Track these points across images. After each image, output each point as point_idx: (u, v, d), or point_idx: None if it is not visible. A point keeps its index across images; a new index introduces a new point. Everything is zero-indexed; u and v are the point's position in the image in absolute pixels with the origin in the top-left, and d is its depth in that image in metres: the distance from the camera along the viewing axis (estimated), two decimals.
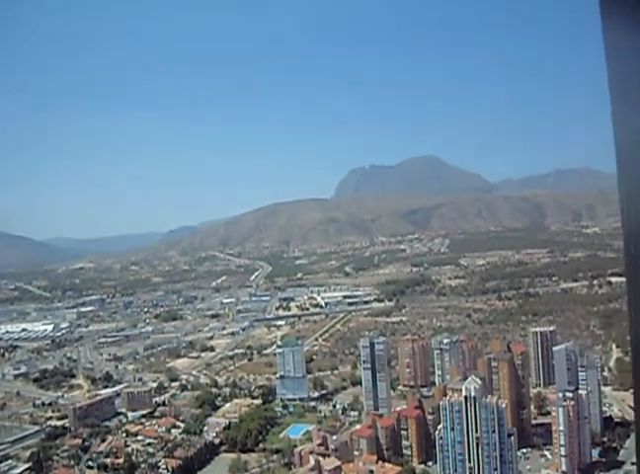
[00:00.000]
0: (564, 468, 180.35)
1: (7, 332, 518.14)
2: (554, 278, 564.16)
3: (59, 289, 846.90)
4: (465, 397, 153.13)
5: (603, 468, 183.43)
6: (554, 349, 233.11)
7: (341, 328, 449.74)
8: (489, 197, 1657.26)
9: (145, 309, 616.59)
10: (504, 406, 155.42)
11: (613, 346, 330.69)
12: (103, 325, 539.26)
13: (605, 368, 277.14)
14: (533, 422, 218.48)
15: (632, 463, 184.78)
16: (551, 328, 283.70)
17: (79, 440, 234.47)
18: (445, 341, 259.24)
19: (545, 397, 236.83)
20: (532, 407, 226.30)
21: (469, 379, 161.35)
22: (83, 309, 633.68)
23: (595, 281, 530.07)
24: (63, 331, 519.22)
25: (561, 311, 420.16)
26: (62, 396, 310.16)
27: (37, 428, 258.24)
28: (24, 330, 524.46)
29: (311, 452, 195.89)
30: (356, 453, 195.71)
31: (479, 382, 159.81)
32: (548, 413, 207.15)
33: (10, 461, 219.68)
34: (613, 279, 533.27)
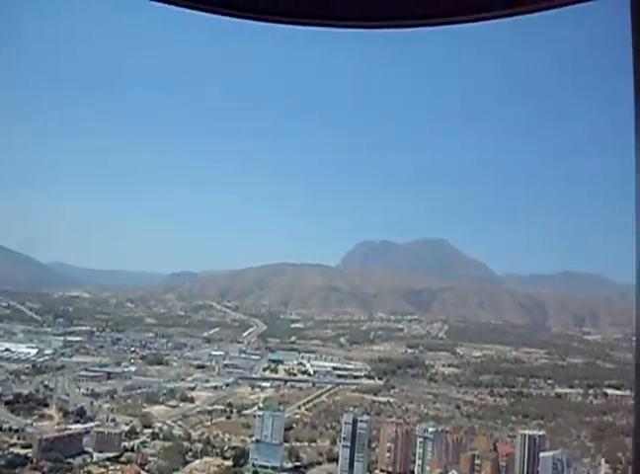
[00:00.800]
0: None
1: None
2: (549, 381, 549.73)
3: (51, 314, 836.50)
4: None
5: None
6: (541, 454, 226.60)
7: (326, 400, 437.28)
8: (493, 288, 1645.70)
9: (133, 348, 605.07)
10: None
11: (602, 461, 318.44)
12: (87, 357, 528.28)
13: None
14: None
15: None
16: (540, 432, 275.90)
17: (39, 473, 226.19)
18: (430, 429, 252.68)
19: None
20: None
21: (450, 473, 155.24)
22: (70, 338, 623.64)
23: (590, 390, 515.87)
24: (46, 357, 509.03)
25: (553, 416, 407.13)
26: (31, 424, 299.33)
27: None
28: (7, 350, 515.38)
29: None
30: None
31: None
32: None
33: None
34: (610, 391, 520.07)
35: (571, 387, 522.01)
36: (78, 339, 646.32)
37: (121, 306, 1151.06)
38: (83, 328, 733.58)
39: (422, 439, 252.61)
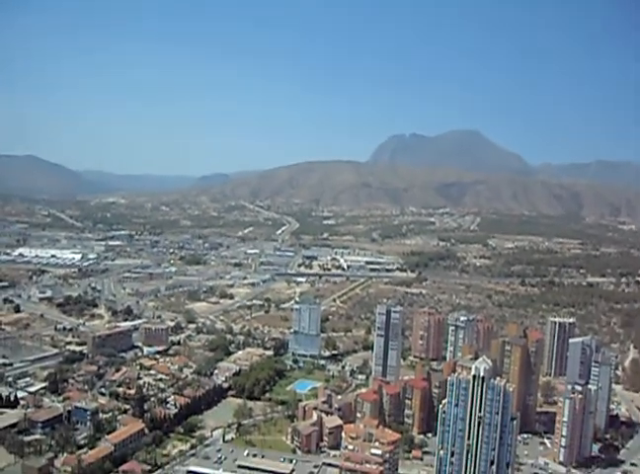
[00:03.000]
0: (562, 458, 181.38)
1: (37, 256, 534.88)
2: (582, 271, 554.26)
3: (90, 221, 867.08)
4: (474, 376, 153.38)
5: (602, 464, 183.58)
6: (570, 341, 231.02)
7: (360, 292, 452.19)
8: (526, 179, 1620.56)
9: (171, 250, 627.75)
10: (511, 390, 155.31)
11: (631, 346, 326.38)
12: (129, 260, 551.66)
13: (620, 367, 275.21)
14: (538, 409, 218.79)
15: (631, 464, 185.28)
16: (571, 320, 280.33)
17: (95, 367, 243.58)
18: (462, 318, 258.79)
19: (554, 387, 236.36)
20: (540, 395, 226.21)
21: (480, 359, 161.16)
22: (111, 243, 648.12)
23: (623, 279, 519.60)
24: (90, 261, 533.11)
25: (584, 304, 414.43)
26: (83, 323, 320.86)
27: (56, 350, 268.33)
28: (53, 256, 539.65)
29: (315, 408, 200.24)
30: (358, 415, 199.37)
31: (490, 363, 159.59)
32: (555, 403, 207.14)
33: (28, 379, 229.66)
34: None
35: (603, 276, 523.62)
36: (118, 243, 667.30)
37: (157, 210, 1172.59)
38: (122, 232, 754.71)
39: (454, 328, 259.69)
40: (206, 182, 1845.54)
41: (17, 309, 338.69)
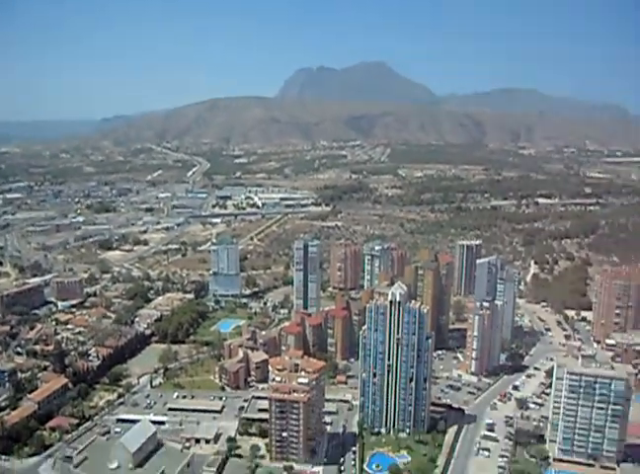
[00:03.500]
0: (473, 369, 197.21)
1: None
2: (486, 195, 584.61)
3: None
4: (390, 301, 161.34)
5: (509, 371, 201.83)
6: (477, 261, 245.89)
7: (276, 229, 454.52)
8: (433, 109, 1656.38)
9: (76, 199, 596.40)
10: (425, 311, 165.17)
11: (532, 262, 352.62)
12: (31, 213, 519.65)
13: (522, 282, 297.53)
14: (451, 327, 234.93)
15: (535, 368, 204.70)
16: (477, 242, 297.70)
17: (7, 327, 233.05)
18: (377, 247, 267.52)
19: (464, 305, 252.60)
20: (452, 313, 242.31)
21: (396, 285, 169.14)
22: (9, 196, 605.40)
23: (523, 201, 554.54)
24: None
25: (488, 227, 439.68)
26: None
27: None
28: None
29: (240, 346, 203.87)
30: (283, 348, 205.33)
31: (404, 288, 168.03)
32: (465, 320, 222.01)
33: None
34: (541, 200, 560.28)
35: (505, 199, 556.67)
36: (17, 195, 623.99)
37: (57, 158, 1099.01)
38: (20, 184, 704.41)
39: (369, 257, 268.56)
40: (108, 125, 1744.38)
41: None
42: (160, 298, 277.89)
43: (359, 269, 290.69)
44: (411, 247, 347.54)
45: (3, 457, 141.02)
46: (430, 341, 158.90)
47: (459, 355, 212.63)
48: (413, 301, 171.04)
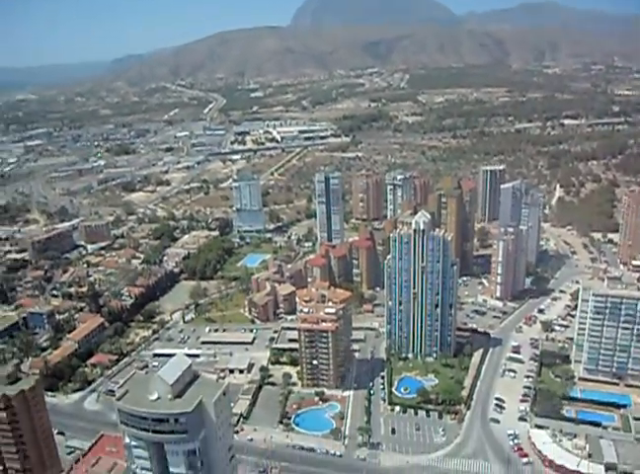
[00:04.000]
0: (498, 294, 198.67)
1: None
2: (510, 118, 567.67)
3: (2, 123, 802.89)
4: (414, 230, 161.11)
5: (534, 295, 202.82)
6: (501, 186, 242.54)
7: (296, 163, 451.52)
8: (453, 30, 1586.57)
9: (95, 143, 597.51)
10: (449, 238, 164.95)
11: (557, 186, 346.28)
12: (52, 159, 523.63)
13: (547, 206, 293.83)
14: (475, 253, 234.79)
15: (560, 291, 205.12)
16: (501, 167, 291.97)
17: (41, 272, 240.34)
18: (399, 177, 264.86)
19: (489, 231, 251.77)
20: (476, 240, 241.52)
21: (419, 214, 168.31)
22: (30, 143, 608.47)
23: (548, 123, 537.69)
24: (12, 166, 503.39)
25: (512, 151, 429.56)
26: (19, 230, 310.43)
27: None
28: None
29: (267, 279, 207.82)
30: (309, 280, 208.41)
31: (428, 217, 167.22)
32: (490, 246, 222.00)
33: None
34: (567, 122, 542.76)
35: (530, 121, 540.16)
36: (37, 142, 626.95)
37: (72, 102, 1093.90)
38: (39, 131, 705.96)
39: (392, 187, 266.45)
40: (120, 65, 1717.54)
41: None
42: (186, 237, 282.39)
43: (381, 199, 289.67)
44: (433, 175, 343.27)
45: (49, 394, 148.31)
46: (454, 268, 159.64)
47: (484, 281, 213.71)
48: (437, 229, 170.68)
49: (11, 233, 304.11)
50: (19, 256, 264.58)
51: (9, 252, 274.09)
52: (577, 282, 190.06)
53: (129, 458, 76.84)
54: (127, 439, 74.93)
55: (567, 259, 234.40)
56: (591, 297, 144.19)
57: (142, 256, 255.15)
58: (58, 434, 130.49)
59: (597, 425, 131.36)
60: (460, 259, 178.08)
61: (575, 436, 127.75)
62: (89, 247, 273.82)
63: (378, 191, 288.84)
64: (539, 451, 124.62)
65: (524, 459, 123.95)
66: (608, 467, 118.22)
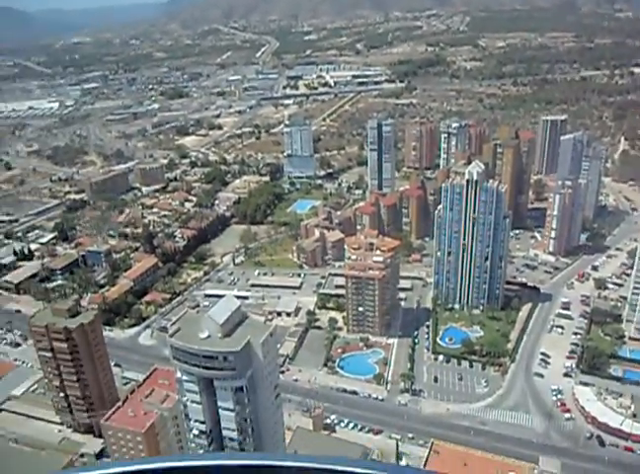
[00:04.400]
0: (551, 249, 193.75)
1: (14, 110, 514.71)
2: (575, 65, 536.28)
3: (59, 66, 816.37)
4: (467, 180, 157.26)
5: (589, 251, 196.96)
6: (562, 138, 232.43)
7: (349, 108, 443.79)
8: None
9: (150, 86, 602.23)
10: (503, 190, 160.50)
11: (622, 138, 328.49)
12: (108, 102, 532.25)
13: (610, 160, 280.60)
14: (530, 206, 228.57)
15: (617, 248, 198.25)
16: (562, 117, 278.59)
17: (98, 212, 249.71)
18: (454, 125, 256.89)
19: (545, 184, 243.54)
20: (531, 192, 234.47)
21: (473, 163, 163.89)
22: (86, 86, 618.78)
23: (617, 71, 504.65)
24: (70, 109, 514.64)
25: (576, 100, 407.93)
26: (77, 172, 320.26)
27: (56, 201, 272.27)
28: (30, 108, 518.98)
29: (316, 226, 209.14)
30: (358, 228, 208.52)
31: (482, 167, 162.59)
32: (546, 199, 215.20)
33: (37, 231, 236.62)
34: (636, 70, 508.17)
35: (597, 69, 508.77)
36: (94, 85, 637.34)
37: (127, 45, 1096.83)
38: (96, 73, 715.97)
39: (446, 135, 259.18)
40: (173, 7, 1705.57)
41: (8, 166, 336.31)
42: (237, 181, 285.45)
43: (434, 148, 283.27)
44: (490, 124, 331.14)
45: (107, 328, 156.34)
46: (507, 220, 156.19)
47: (537, 235, 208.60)
48: (491, 180, 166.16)
49: (70, 174, 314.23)
50: (77, 197, 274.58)
51: (68, 193, 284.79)
52: (635, 240, 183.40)
53: (181, 391, 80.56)
54: (179, 374, 78.35)
55: (627, 215, 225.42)
56: None
57: (195, 199, 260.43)
58: (115, 365, 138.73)
59: None
60: (513, 211, 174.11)
61: (620, 396, 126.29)
62: (144, 189, 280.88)
63: (432, 139, 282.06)
64: (582, 408, 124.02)
65: (567, 415, 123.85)
66: None
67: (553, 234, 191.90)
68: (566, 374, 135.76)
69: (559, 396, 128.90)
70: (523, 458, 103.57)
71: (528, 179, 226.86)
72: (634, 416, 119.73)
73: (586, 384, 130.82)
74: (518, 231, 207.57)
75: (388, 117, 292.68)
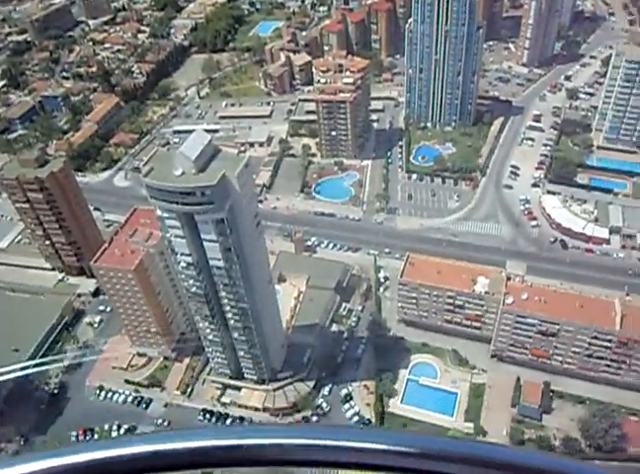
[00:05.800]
0: (525, 60, 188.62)
1: None
2: None
3: None
4: None
5: (563, 61, 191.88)
6: None
7: None
8: None
9: None
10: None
11: None
12: None
13: None
14: (505, 15, 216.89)
15: (591, 56, 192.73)
16: None
17: (47, 53, 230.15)
18: None
19: None
20: (507, 0, 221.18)
21: None
22: None
23: None
24: None
25: None
26: (14, 9, 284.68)
27: None
28: None
29: (282, 49, 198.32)
30: (325, 49, 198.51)
31: None
32: (521, 6, 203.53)
33: None
34: None
35: None
36: None
37: None
38: None
39: None
40: None
41: None
42: (192, 5, 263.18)
43: None
44: None
45: (79, 174, 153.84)
46: (480, 31, 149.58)
47: (511, 46, 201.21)
48: None
49: (7, 13, 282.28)
50: (20, 38, 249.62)
51: (9, 34, 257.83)
52: (610, 47, 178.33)
53: (163, 228, 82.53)
54: (159, 212, 79.52)
55: (603, 21, 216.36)
56: (623, 63, 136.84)
57: (148, 29, 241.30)
58: (95, 209, 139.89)
59: (608, 191, 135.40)
60: (487, 21, 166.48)
61: (585, 202, 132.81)
62: (90, 23, 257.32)
63: None
64: (548, 215, 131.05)
65: (533, 222, 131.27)
66: (612, 230, 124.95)
67: (527, 44, 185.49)
68: (534, 185, 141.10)
69: (527, 205, 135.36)
70: (492, 264, 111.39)
71: None
72: (596, 220, 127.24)
73: (553, 193, 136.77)
74: (492, 42, 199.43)
75: None
